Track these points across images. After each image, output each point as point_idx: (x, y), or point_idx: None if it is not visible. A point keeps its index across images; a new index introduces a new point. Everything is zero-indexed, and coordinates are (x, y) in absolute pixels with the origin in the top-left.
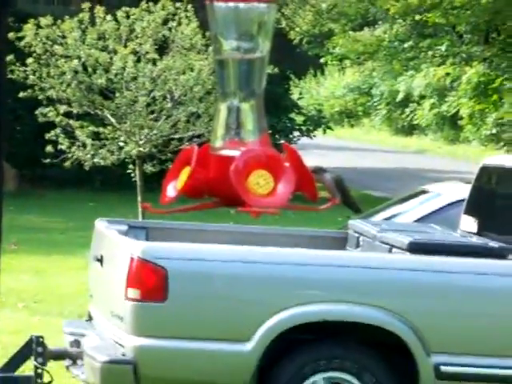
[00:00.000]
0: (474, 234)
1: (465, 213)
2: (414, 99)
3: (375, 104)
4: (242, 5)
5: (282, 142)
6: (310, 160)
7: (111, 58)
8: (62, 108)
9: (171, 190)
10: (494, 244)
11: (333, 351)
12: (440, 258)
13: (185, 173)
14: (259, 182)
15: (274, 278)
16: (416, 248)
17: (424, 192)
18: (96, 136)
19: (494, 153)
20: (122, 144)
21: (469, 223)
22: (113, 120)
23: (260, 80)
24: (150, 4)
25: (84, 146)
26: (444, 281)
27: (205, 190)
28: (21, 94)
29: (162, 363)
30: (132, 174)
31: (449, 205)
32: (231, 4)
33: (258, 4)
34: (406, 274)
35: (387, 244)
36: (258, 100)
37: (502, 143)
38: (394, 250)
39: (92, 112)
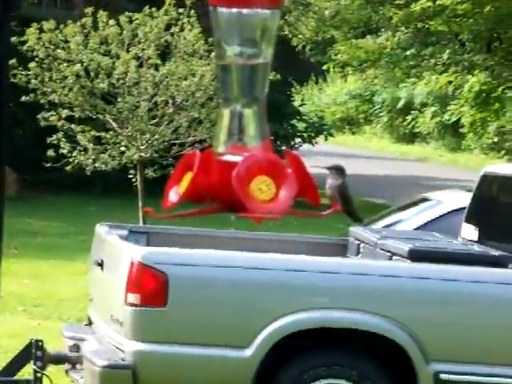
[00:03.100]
0: (475, 242)
1: (465, 221)
2: (416, 107)
3: (377, 111)
4: (245, 10)
5: (284, 148)
6: (311, 167)
7: (113, 63)
8: (64, 112)
9: (173, 194)
10: (494, 252)
11: (332, 358)
12: (440, 265)
13: (187, 178)
14: (261, 187)
15: (274, 284)
16: (416, 256)
17: (425, 200)
18: (97, 141)
19: (496, 161)
20: (123, 149)
21: (469, 231)
22: (114, 125)
23: (263, 86)
24: (153, 9)
25: (85, 150)
26: (444, 289)
27: (207, 195)
28: (23, 98)
29: (161, 368)
30: (133, 179)
31: (450, 213)
32: (235, 10)
33: (261, 10)
34: (405, 282)
35: (388, 251)
36: (261, 106)
37: (503, 152)
38: (394, 257)
39: (94, 116)
